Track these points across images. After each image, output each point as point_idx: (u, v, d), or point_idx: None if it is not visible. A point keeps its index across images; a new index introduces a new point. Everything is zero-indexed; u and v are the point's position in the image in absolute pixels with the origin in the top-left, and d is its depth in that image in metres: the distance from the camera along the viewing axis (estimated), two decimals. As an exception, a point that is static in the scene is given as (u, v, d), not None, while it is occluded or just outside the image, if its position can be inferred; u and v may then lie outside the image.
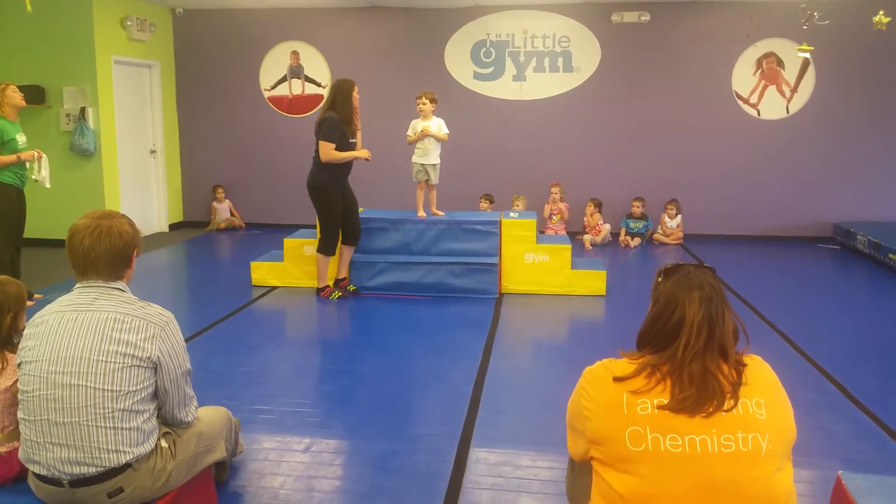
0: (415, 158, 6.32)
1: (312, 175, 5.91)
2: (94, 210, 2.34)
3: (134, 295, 2.33)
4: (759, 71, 8.76)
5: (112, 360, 2.15)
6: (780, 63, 8.71)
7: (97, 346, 2.16)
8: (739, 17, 8.59)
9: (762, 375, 1.78)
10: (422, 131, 6.20)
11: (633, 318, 6.03)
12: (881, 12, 5.22)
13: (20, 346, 2.27)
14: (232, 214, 9.68)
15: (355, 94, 5.84)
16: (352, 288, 6.24)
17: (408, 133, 6.30)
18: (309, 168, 5.95)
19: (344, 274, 6.27)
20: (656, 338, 1.80)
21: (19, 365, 2.24)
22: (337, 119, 5.74)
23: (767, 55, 8.71)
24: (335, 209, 5.93)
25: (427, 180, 6.37)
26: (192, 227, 9.79)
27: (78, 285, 2.29)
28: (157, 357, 2.22)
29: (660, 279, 1.87)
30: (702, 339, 1.74)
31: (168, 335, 2.26)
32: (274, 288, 6.48)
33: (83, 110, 8.07)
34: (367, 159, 6.01)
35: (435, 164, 6.32)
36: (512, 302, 6.12)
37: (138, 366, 2.19)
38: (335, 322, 5.74)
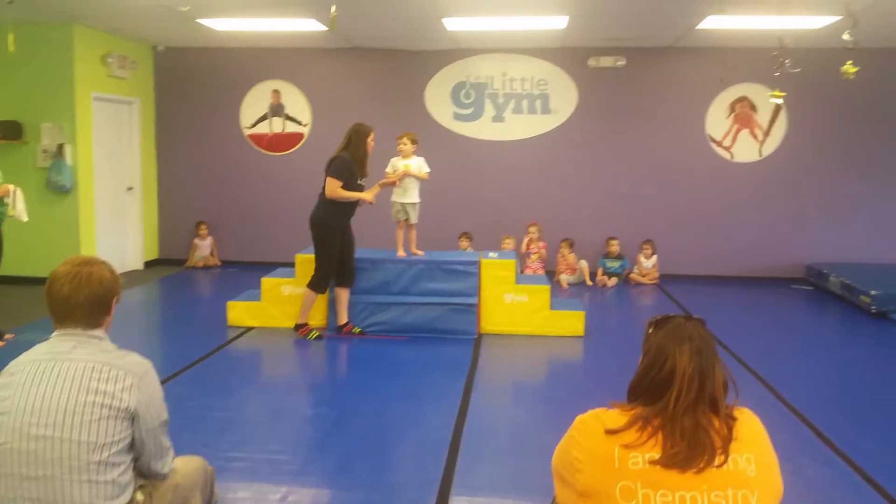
0: (394, 197, 6.34)
1: (316, 210, 5.96)
2: (74, 256, 2.31)
3: (109, 337, 2.30)
4: (733, 114, 8.97)
5: (89, 410, 2.11)
6: (752, 107, 8.92)
7: (74, 396, 2.11)
8: (713, 62, 8.81)
9: (752, 430, 1.78)
10: (403, 170, 6.23)
11: (612, 360, 6.02)
12: (849, 62, 5.39)
13: (-7, 396, 2.21)
14: (211, 253, 9.60)
15: (370, 140, 5.96)
16: (357, 330, 6.21)
17: (387, 170, 6.32)
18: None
19: (345, 319, 6.23)
20: (648, 389, 1.81)
21: (-9, 416, 2.18)
22: (349, 159, 5.83)
23: (740, 99, 8.93)
24: (333, 248, 5.95)
25: (406, 220, 6.39)
26: (168, 264, 9.69)
27: (56, 332, 2.25)
28: (135, 408, 2.18)
29: (650, 330, 1.88)
30: (693, 391, 1.75)
31: (146, 385, 2.23)
32: (250, 328, 6.41)
33: (61, 147, 8.00)
34: (370, 203, 6.03)
35: (414, 203, 6.34)
36: (491, 342, 6.11)
37: (115, 416, 2.14)
38: (312, 364, 5.68)
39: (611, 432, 1.74)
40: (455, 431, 4.13)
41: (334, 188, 5.80)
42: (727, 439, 1.71)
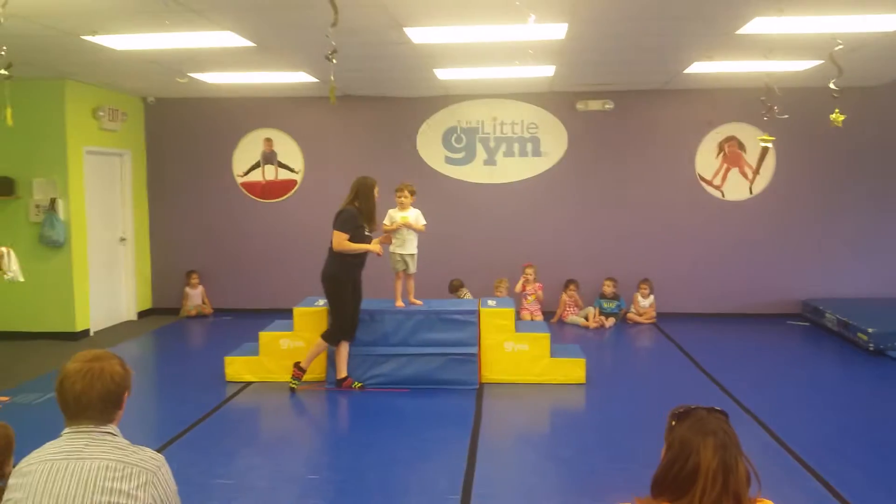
0: (392, 248, 6.35)
1: (326, 266, 6.00)
2: (83, 352, 2.28)
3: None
4: (722, 154, 9.07)
5: (104, 512, 2.07)
6: (741, 146, 9.03)
7: (89, 497, 2.07)
8: (700, 104, 8.94)
9: None
10: (401, 222, 6.25)
11: (615, 411, 5.93)
12: (836, 110, 5.47)
13: (4, 497, 2.17)
14: (203, 301, 9.53)
15: (376, 192, 6.03)
16: (357, 385, 6.17)
17: (384, 222, 6.34)
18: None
19: (344, 373, 6.19)
20: (672, 484, 1.79)
21: (3, 518, 2.14)
22: (355, 212, 5.89)
23: (729, 139, 9.03)
24: (346, 301, 6.00)
25: (405, 270, 6.39)
26: (161, 313, 9.60)
27: (67, 430, 2.22)
28: (150, 505, 2.14)
29: (673, 423, 1.87)
30: (717, 487, 1.74)
31: (160, 481, 2.19)
32: (249, 383, 6.34)
33: (53, 201, 7.97)
34: (378, 254, 6.06)
35: (413, 254, 6.36)
36: (493, 393, 6.07)
37: (130, 516, 2.11)
38: (314, 421, 5.63)
39: (636, 533, 1.73)
40: (463, 495, 4.08)
41: (341, 241, 5.84)
42: None
